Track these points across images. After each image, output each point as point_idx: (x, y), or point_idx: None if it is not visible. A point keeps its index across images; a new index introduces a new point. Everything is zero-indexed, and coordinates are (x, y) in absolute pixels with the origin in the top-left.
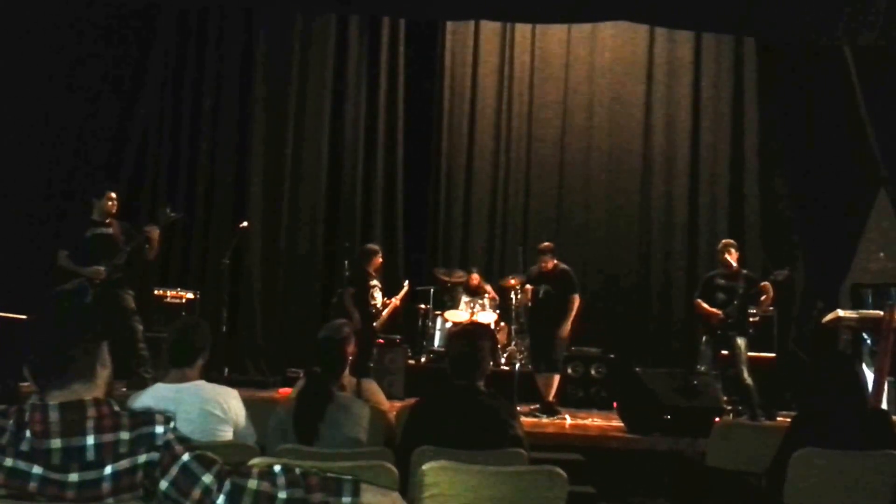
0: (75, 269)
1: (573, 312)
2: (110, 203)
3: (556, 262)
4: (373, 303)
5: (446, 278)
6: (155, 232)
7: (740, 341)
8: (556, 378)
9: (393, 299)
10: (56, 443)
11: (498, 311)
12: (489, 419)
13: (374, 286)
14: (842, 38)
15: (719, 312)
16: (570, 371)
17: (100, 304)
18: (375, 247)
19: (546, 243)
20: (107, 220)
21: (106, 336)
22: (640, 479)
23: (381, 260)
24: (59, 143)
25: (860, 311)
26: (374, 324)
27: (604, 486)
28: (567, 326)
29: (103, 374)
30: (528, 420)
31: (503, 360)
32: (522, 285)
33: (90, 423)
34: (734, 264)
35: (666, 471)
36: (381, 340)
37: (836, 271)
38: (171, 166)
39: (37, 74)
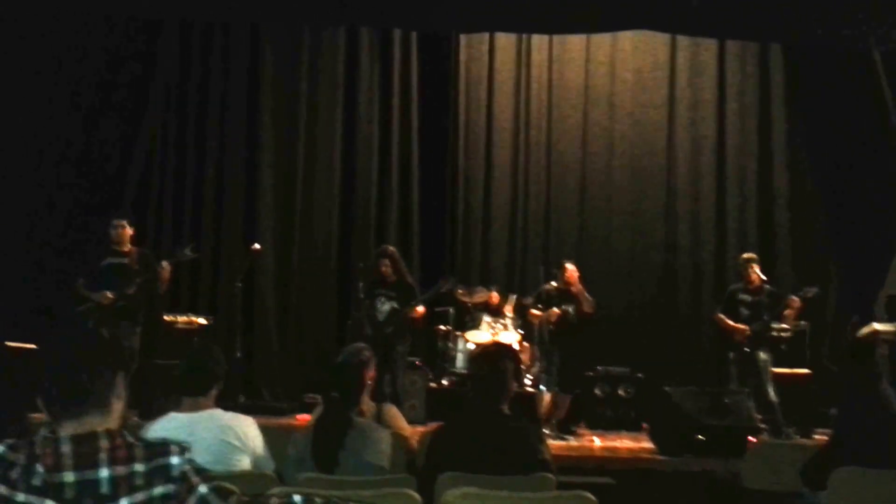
0: (87, 295)
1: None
2: (118, 231)
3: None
4: (373, 313)
5: (466, 298)
6: (167, 270)
7: (764, 356)
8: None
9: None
10: (69, 476)
11: (521, 332)
12: (515, 443)
13: (378, 294)
14: (871, 44)
15: (744, 328)
16: (597, 391)
17: (100, 327)
18: (381, 248)
19: (571, 264)
20: (124, 249)
21: (123, 367)
22: (673, 502)
23: (384, 262)
24: (63, 167)
25: None
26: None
27: None
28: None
29: (118, 405)
30: (556, 443)
31: (528, 382)
32: (537, 305)
33: (104, 456)
34: (759, 278)
35: (700, 493)
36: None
37: (871, 283)
38: (178, 188)
39: (38, 97)
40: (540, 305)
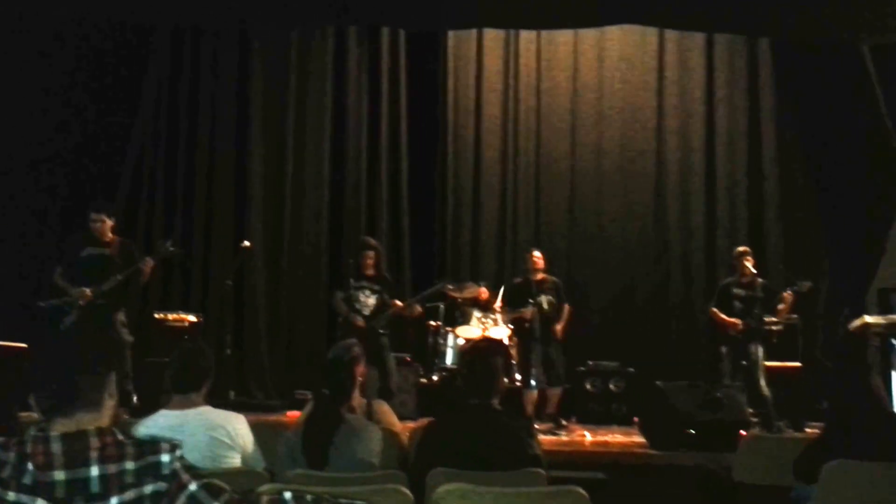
0: (64, 288)
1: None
2: (97, 225)
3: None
4: (357, 307)
5: (456, 294)
6: (149, 266)
7: (756, 350)
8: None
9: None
10: (60, 475)
11: (511, 326)
12: (506, 438)
13: (362, 287)
14: (857, 37)
15: (738, 322)
16: (588, 386)
17: (84, 324)
18: (364, 240)
19: (538, 251)
20: (105, 239)
21: (114, 366)
22: (665, 497)
23: (370, 254)
24: (55, 167)
25: (888, 316)
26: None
27: None
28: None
29: (110, 404)
30: (547, 438)
31: (518, 377)
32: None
33: (94, 454)
34: (752, 271)
35: (691, 487)
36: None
37: (862, 276)
38: (168, 185)
39: (30, 97)
40: (531, 301)
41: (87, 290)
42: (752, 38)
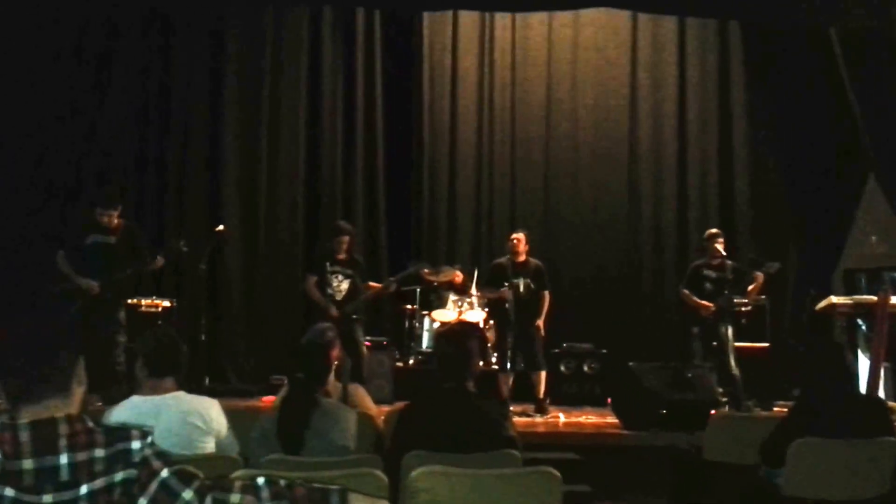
0: (70, 275)
1: (545, 309)
2: (106, 220)
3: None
4: (329, 292)
5: (433, 277)
6: (160, 265)
7: (726, 330)
8: (544, 374)
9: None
10: (28, 463)
11: (486, 309)
12: (480, 421)
13: (335, 272)
14: (827, 20)
15: (710, 305)
16: (562, 368)
17: (88, 314)
18: (339, 224)
19: (520, 233)
20: (111, 227)
21: (82, 351)
22: (637, 476)
23: (345, 239)
24: (27, 151)
25: (854, 296)
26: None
27: (600, 485)
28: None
29: (78, 391)
30: (521, 420)
31: (493, 360)
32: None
33: (63, 442)
34: (723, 253)
35: (663, 466)
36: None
37: (828, 257)
38: (140, 169)
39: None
40: (506, 283)
41: (95, 285)
42: (722, 21)
